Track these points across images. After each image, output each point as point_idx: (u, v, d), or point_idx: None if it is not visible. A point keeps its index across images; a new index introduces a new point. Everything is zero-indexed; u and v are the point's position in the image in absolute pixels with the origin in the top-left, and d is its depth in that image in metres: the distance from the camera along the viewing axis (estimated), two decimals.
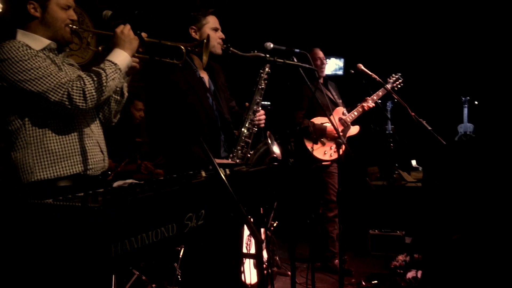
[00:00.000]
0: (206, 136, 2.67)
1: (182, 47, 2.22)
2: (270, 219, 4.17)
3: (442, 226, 4.84)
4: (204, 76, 2.83)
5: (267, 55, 2.61)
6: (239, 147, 2.71)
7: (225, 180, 1.57)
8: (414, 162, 7.39)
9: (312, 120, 4.16)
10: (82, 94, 1.94)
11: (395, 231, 4.68)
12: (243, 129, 2.73)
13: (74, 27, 2.12)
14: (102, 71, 2.00)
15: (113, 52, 2.07)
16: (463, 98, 7.83)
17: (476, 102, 7.38)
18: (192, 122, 2.64)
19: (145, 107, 4.16)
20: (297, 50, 2.82)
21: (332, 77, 7.55)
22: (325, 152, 4.16)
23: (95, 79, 1.98)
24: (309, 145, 4.12)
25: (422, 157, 6.82)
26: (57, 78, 1.94)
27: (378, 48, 7.09)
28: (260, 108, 2.81)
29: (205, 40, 2.28)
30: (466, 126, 8.03)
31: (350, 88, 4.67)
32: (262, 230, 4.11)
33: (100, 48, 2.20)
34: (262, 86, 2.82)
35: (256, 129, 2.78)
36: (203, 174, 1.74)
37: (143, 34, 2.12)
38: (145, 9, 4.71)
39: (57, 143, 2.00)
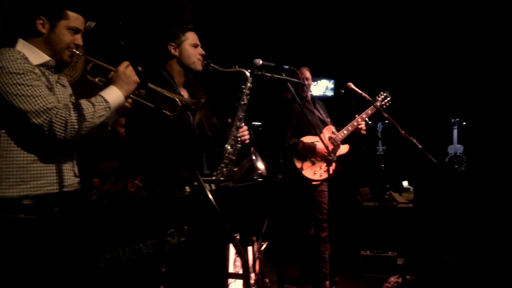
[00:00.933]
0: (188, 153, 2.60)
1: (178, 100, 2.18)
2: (260, 239, 4.08)
3: (434, 247, 4.77)
4: (184, 93, 2.78)
5: (249, 70, 2.59)
6: (223, 164, 2.65)
7: (210, 195, 1.51)
8: (405, 183, 7.36)
9: (301, 139, 4.11)
10: (63, 125, 1.88)
11: (387, 252, 4.60)
12: (226, 146, 2.67)
13: (77, 52, 2.06)
14: (91, 106, 1.94)
15: (108, 89, 2.01)
16: (453, 120, 7.85)
17: (464, 123, 7.40)
18: (173, 140, 2.58)
19: (124, 125, 4.08)
20: (286, 67, 2.80)
21: (322, 99, 7.56)
22: (315, 172, 4.09)
23: (82, 112, 1.91)
24: (298, 164, 4.05)
25: (413, 177, 6.80)
26: (43, 102, 1.88)
27: (369, 70, 7.11)
28: (243, 124, 2.76)
29: (202, 101, 2.24)
30: (456, 147, 8.02)
31: (341, 109, 4.65)
32: (250, 249, 4.05)
33: (97, 79, 2.14)
34: (245, 102, 2.77)
35: (239, 146, 2.72)
36: (187, 189, 1.67)
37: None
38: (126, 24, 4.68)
39: (30, 161, 1.93)
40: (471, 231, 4.78)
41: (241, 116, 2.76)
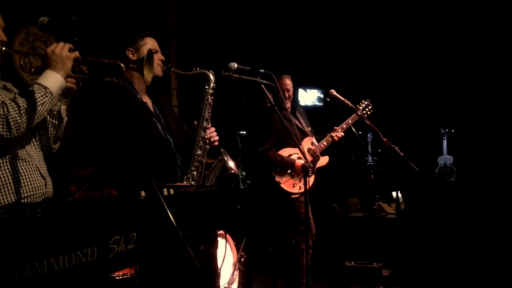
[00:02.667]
0: (159, 161, 2.52)
1: (122, 64, 2.07)
2: (240, 250, 3.98)
3: (419, 258, 4.69)
4: (147, 101, 2.71)
5: (211, 71, 2.52)
6: (193, 168, 2.57)
7: (162, 200, 1.41)
8: (396, 194, 7.28)
9: (280, 152, 3.99)
10: (5, 123, 1.77)
11: (372, 263, 4.49)
12: (195, 149, 2.58)
13: (4, 48, 1.93)
14: (30, 96, 1.84)
15: (43, 74, 1.91)
16: (442, 130, 7.81)
17: (452, 130, 7.36)
18: (141, 148, 2.49)
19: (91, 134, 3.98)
20: (262, 70, 2.73)
21: (312, 109, 7.51)
22: (294, 184, 3.98)
23: (21, 105, 1.81)
24: (277, 178, 3.92)
25: (399, 187, 6.74)
26: None
27: (359, 80, 7.09)
28: (209, 124, 2.68)
29: (145, 55, 2.13)
30: (445, 158, 7.97)
31: (330, 119, 4.58)
32: (233, 261, 3.95)
33: (33, 69, 2.04)
34: (209, 102, 2.70)
35: (208, 147, 2.64)
36: (143, 194, 1.57)
37: (77, 53, 1.97)
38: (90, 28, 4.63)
39: None
40: (454, 242, 4.71)
41: (207, 117, 2.68)
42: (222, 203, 1.88)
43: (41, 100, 1.85)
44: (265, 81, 2.58)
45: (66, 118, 2.14)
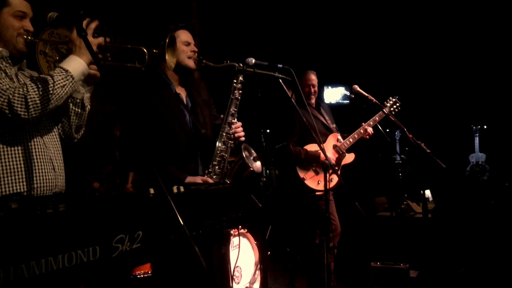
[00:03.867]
0: (182, 154, 2.50)
1: (144, 49, 2.04)
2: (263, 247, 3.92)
3: (448, 260, 4.53)
4: (181, 92, 2.69)
5: (241, 64, 2.46)
6: (215, 163, 2.52)
7: (169, 198, 1.36)
8: (428, 193, 7.10)
9: (305, 147, 3.92)
10: (23, 102, 1.76)
11: (399, 264, 4.35)
12: (218, 143, 2.54)
13: (30, 38, 1.95)
14: (50, 78, 1.83)
15: (66, 59, 1.91)
16: (474, 127, 7.56)
17: (485, 126, 7.12)
18: (167, 140, 2.47)
19: (119, 127, 4.01)
20: (280, 65, 2.65)
21: (337, 106, 7.40)
22: (318, 181, 3.89)
23: (40, 86, 1.80)
24: (301, 174, 3.85)
25: (428, 185, 6.55)
26: None
27: (387, 77, 6.94)
28: (235, 119, 2.63)
29: (167, 40, 2.10)
30: (477, 156, 7.73)
31: (354, 117, 4.47)
32: (255, 260, 3.89)
33: (57, 57, 2.04)
34: (236, 96, 2.65)
35: (232, 142, 2.59)
36: (151, 191, 1.53)
37: (101, 39, 1.97)
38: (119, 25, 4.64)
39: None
40: (485, 243, 4.52)
41: (233, 112, 2.64)
42: (236, 202, 1.83)
43: (62, 82, 1.84)
44: (281, 75, 2.49)
45: (89, 106, 2.13)
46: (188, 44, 2.65)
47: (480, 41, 6.74)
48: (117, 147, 4.06)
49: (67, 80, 1.86)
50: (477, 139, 7.57)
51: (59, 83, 1.83)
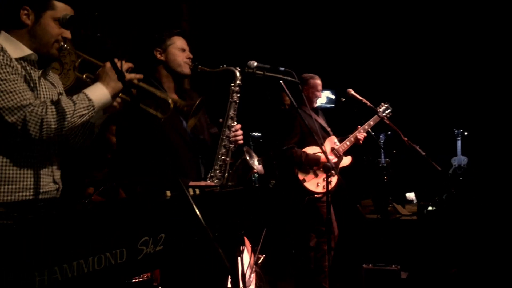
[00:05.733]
0: (182, 159, 2.49)
1: (171, 101, 2.03)
2: (257, 252, 3.92)
3: (439, 260, 4.60)
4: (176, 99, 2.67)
5: (238, 68, 2.47)
6: (216, 167, 2.51)
7: (191, 200, 1.36)
8: (411, 195, 7.21)
9: (304, 149, 3.94)
10: (39, 123, 1.72)
11: (390, 265, 4.40)
12: (219, 147, 2.54)
13: (65, 45, 1.90)
14: (72, 104, 1.78)
15: (93, 86, 1.86)
16: (456, 131, 7.71)
17: (466, 133, 7.27)
18: (165, 147, 2.45)
19: (115, 133, 3.94)
20: (282, 68, 2.67)
21: (323, 110, 7.44)
22: (317, 183, 3.92)
23: (60, 111, 1.75)
24: (301, 176, 3.86)
25: (417, 188, 6.65)
26: (19, 98, 1.71)
27: (371, 80, 7.01)
28: (235, 122, 2.62)
29: (197, 102, 2.10)
30: (460, 159, 7.87)
31: (342, 120, 4.51)
32: (249, 263, 3.89)
33: (84, 75, 1.99)
34: (235, 100, 2.64)
35: (233, 146, 2.58)
36: (168, 194, 1.52)
37: (139, 76, 1.93)
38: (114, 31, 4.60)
39: (3, 164, 1.77)
40: (479, 242, 4.61)
41: (232, 115, 2.62)
42: (248, 203, 1.83)
43: (82, 112, 1.80)
44: (289, 78, 2.51)
45: (98, 130, 2.09)
46: (183, 50, 2.62)
47: (464, 45, 6.87)
48: (110, 151, 4.01)
49: (88, 109, 1.82)
50: (459, 143, 7.72)
51: (79, 112, 1.79)
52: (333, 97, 8.13)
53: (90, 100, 1.82)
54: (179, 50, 2.60)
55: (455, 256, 4.65)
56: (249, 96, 2.75)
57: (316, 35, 6.95)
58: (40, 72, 1.93)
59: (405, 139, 3.47)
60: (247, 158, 2.42)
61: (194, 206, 1.34)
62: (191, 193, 1.58)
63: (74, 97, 1.82)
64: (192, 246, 1.41)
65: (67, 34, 1.88)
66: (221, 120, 2.67)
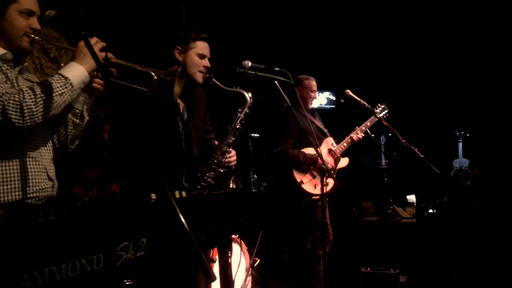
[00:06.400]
0: (168, 162, 2.40)
1: (153, 73, 1.97)
2: (253, 255, 3.87)
3: (438, 264, 4.54)
4: (180, 102, 2.58)
5: (250, 94, 2.39)
6: (199, 186, 2.43)
7: (174, 204, 1.31)
8: (412, 197, 7.15)
9: (302, 150, 3.88)
10: (19, 109, 1.67)
11: (389, 269, 4.34)
12: (208, 169, 2.47)
13: (36, 37, 1.86)
14: (48, 84, 1.75)
15: (67, 65, 1.83)
16: (458, 133, 7.66)
17: (467, 135, 7.21)
18: (154, 148, 2.39)
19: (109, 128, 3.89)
20: (277, 69, 2.61)
21: (324, 111, 7.40)
22: (315, 185, 3.86)
23: (37, 93, 1.71)
24: (298, 177, 3.81)
25: (417, 190, 6.59)
26: None
27: (372, 82, 6.96)
28: (231, 149, 2.54)
29: (179, 69, 2.03)
30: (461, 161, 7.82)
31: (342, 121, 4.47)
32: (245, 266, 3.84)
33: (62, 64, 1.95)
34: (238, 127, 2.55)
35: (222, 171, 2.51)
36: (153, 197, 1.47)
37: (109, 55, 1.90)
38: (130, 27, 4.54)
39: None
40: (479, 246, 4.55)
41: (230, 141, 2.53)
42: (236, 207, 1.78)
43: (60, 90, 1.77)
44: (282, 78, 2.45)
45: (88, 117, 2.06)
46: (203, 57, 2.52)
47: (467, 47, 6.82)
48: (105, 149, 3.96)
49: (66, 88, 1.78)
50: (460, 145, 7.66)
51: (57, 91, 1.75)
52: (333, 98, 8.09)
53: (66, 78, 1.80)
54: (198, 56, 2.51)
55: (455, 260, 4.59)
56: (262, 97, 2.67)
57: (317, 36, 6.91)
58: (17, 71, 1.89)
59: (403, 141, 3.42)
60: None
61: (178, 210, 1.29)
62: (177, 196, 1.52)
63: (49, 79, 1.79)
64: (176, 252, 1.36)
65: (36, 25, 1.84)
66: (216, 142, 2.59)
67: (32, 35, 1.84)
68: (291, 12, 6.62)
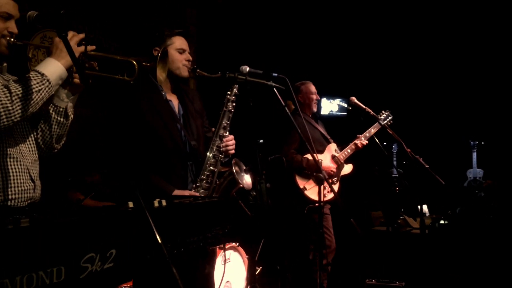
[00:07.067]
0: (172, 164, 2.39)
1: (134, 61, 1.94)
2: (254, 263, 3.78)
3: (446, 278, 4.41)
4: (173, 99, 2.58)
5: (242, 76, 2.36)
6: (203, 177, 2.40)
7: (147, 213, 1.24)
8: (425, 208, 7.01)
9: (305, 156, 3.82)
10: None
11: (394, 282, 4.22)
12: (207, 157, 2.43)
13: (13, 40, 1.82)
14: (24, 82, 1.71)
15: (43, 62, 1.79)
16: (472, 142, 7.49)
17: (482, 143, 7.05)
18: (155, 149, 2.36)
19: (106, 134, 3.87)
20: (275, 74, 2.55)
21: (335, 118, 7.32)
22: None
23: (13, 91, 1.67)
24: (301, 183, 3.75)
25: (425, 200, 6.46)
26: None
27: (385, 90, 6.87)
28: (227, 133, 2.52)
29: (159, 54, 1.99)
30: (475, 172, 7.65)
31: (351, 128, 4.40)
32: (246, 275, 3.76)
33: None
34: (230, 109, 2.54)
35: (223, 156, 2.48)
36: (130, 205, 1.41)
37: (90, 47, 1.87)
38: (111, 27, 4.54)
39: None
40: (487, 261, 4.41)
41: (225, 124, 2.52)
42: (222, 216, 1.70)
43: (37, 87, 1.73)
44: (273, 84, 2.39)
45: (72, 116, 2.01)
46: (182, 51, 2.53)
47: (479, 56, 6.69)
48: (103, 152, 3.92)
49: (43, 84, 1.74)
50: (475, 155, 7.49)
51: (34, 88, 1.71)
52: (345, 105, 7.99)
53: (42, 74, 1.76)
54: (178, 51, 2.52)
55: (465, 274, 4.46)
56: (252, 102, 2.62)
57: (329, 42, 6.84)
58: None
59: (408, 150, 3.33)
60: (235, 171, 2.30)
61: (150, 219, 1.22)
62: (156, 204, 1.46)
63: (26, 77, 1.76)
64: (147, 264, 1.30)
65: (13, 28, 1.80)
66: (213, 129, 2.57)
67: (8, 38, 1.79)
68: (304, 18, 6.57)
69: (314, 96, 4.10)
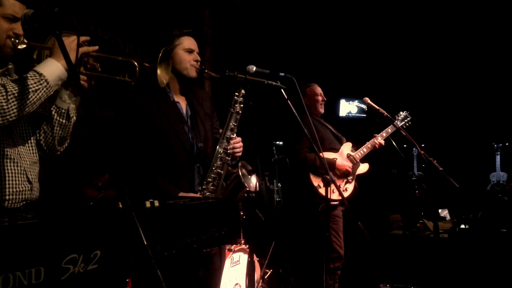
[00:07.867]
0: (179, 166, 2.38)
1: (135, 62, 1.92)
2: (264, 266, 3.74)
3: (464, 283, 4.29)
4: (181, 101, 2.56)
5: (242, 75, 2.33)
6: (209, 179, 2.39)
7: (133, 214, 1.22)
8: (445, 211, 6.85)
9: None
10: None
11: (409, 287, 4.15)
12: (214, 159, 2.40)
13: (17, 40, 1.82)
14: (21, 82, 1.71)
15: (43, 62, 1.79)
16: (496, 145, 7.29)
17: (507, 144, 6.85)
18: (162, 151, 2.35)
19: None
20: (282, 74, 2.50)
21: (354, 120, 7.23)
22: (333, 190, 3.73)
23: (9, 90, 1.67)
24: (315, 181, 3.72)
25: (446, 204, 6.31)
26: None
27: (406, 91, 6.76)
28: (235, 135, 2.50)
29: (160, 55, 1.97)
30: (499, 175, 7.44)
31: (370, 130, 4.34)
32: (256, 278, 3.72)
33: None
34: (237, 110, 2.52)
35: (229, 159, 2.46)
36: (120, 205, 1.39)
37: (93, 48, 1.86)
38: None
39: None
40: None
41: (232, 126, 2.50)
42: (218, 218, 1.67)
43: (34, 87, 1.72)
44: (273, 83, 2.34)
45: (75, 117, 2.01)
46: (191, 51, 2.52)
47: (502, 55, 6.51)
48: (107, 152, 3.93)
49: (41, 84, 1.74)
50: (498, 157, 7.29)
51: (31, 88, 1.70)
52: (364, 106, 7.88)
53: (40, 74, 1.76)
54: (186, 52, 2.51)
55: (484, 281, 4.33)
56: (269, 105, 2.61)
57: (348, 43, 6.77)
58: None
59: (422, 152, 3.24)
60: (241, 174, 2.27)
61: (136, 220, 1.20)
62: (148, 205, 1.43)
63: (23, 76, 1.76)
64: (133, 266, 1.27)
65: (19, 30, 1.80)
66: (220, 130, 2.55)
67: (13, 39, 1.79)
68: (321, 20, 6.51)
69: (320, 98, 4.10)
